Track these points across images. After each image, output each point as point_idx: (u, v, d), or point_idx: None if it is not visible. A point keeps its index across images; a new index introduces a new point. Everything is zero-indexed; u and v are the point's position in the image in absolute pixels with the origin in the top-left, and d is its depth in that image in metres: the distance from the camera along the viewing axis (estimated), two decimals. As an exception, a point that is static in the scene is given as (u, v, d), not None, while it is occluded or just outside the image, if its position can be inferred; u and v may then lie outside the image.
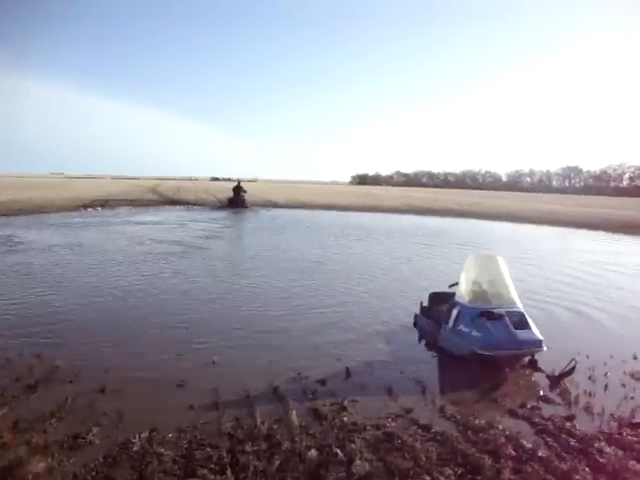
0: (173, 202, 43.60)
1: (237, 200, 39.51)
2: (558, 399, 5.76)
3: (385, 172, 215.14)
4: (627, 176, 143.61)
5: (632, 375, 6.54)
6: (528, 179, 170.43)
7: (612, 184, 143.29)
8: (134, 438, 4.47)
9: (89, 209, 33.50)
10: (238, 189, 40.52)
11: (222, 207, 39.74)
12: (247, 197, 41.44)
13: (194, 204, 42.63)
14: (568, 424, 5.03)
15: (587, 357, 7.03)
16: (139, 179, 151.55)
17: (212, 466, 4.07)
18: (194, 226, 25.02)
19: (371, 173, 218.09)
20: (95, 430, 4.62)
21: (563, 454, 4.43)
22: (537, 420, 5.14)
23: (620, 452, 4.48)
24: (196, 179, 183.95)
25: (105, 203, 37.91)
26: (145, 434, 4.56)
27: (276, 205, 44.06)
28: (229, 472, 3.96)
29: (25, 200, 34.97)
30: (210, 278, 12.13)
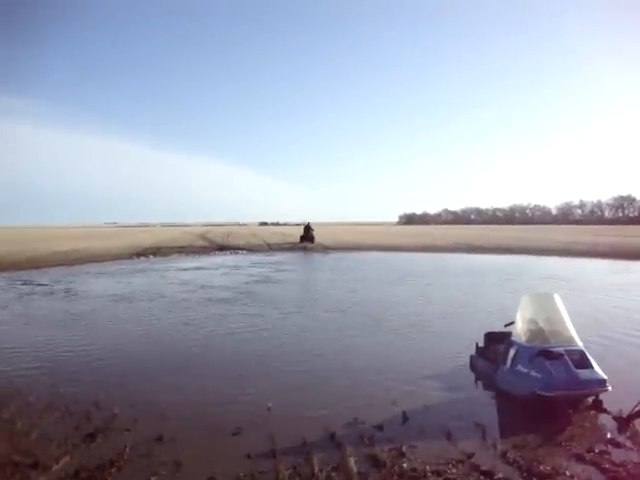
0: (222, 248, 44.26)
1: (307, 236, 48.88)
2: (629, 443, 5.44)
3: (432, 210, 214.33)
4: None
5: None
6: (579, 211, 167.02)
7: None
8: (192, 487, 4.46)
9: (141, 257, 34.34)
10: (308, 228, 49.80)
11: (277, 249, 43.78)
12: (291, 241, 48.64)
13: (243, 249, 43.21)
14: (641, 470, 4.77)
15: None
16: (189, 226, 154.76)
17: (271, 516, 4.01)
18: (247, 271, 25.29)
19: (418, 212, 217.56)
20: (153, 479, 4.63)
21: (638, 502, 4.20)
22: (607, 466, 4.86)
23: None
24: (245, 224, 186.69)
25: (157, 251, 38.83)
26: (202, 483, 4.54)
27: (328, 248, 44.23)
28: (288, 522, 3.90)
29: (83, 249, 36.16)
30: (269, 324, 12.18)
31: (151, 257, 34.91)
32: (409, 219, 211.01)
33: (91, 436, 5.64)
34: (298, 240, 49.44)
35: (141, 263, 30.54)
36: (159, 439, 5.56)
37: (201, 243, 49.69)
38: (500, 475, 4.68)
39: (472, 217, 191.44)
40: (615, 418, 6.02)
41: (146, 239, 54.63)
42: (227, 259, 34.21)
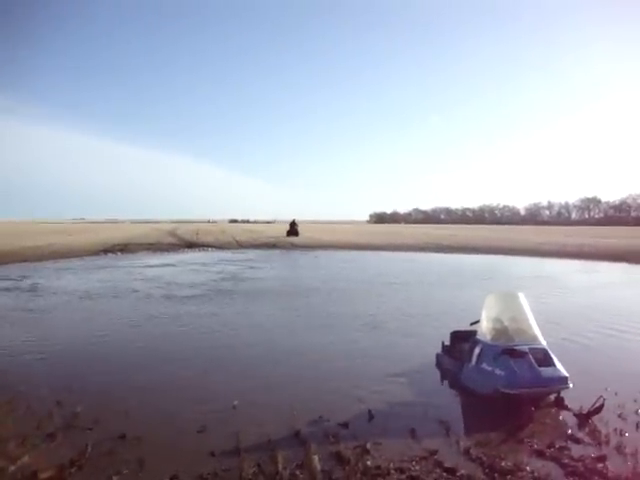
0: (192, 245, 43.87)
1: (292, 231, 55.97)
2: (587, 438, 5.57)
3: (403, 209, 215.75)
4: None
5: (664, 413, 6.34)
6: (547, 211, 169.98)
7: (633, 214, 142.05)
8: (154, 486, 4.41)
9: (109, 253, 33.89)
10: (293, 224, 57.47)
11: (248, 247, 43.70)
12: (262, 239, 48.38)
13: (213, 246, 42.92)
14: (600, 465, 4.85)
15: (616, 394, 6.84)
16: (158, 222, 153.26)
17: (234, 514, 3.99)
18: (215, 268, 25.12)
19: (389, 211, 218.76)
20: (115, 478, 4.58)
21: (595, 497, 4.28)
22: (566, 461, 4.96)
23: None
24: (214, 221, 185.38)
25: (125, 247, 38.30)
26: (166, 482, 4.50)
27: (297, 245, 44.16)
28: (251, 520, 3.89)
29: (47, 246, 35.48)
30: (243, 321, 12.13)
31: (119, 254, 34.39)
32: (379, 218, 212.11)
33: (51, 435, 5.54)
34: (284, 234, 55.23)
35: (108, 259, 30.11)
36: (122, 437, 5.49)
37: (170, 240, 49.12)
38: (463, 472, 4.73)
39: (442, 217, 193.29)
40: (575, 415, 6.14)
41: (114, 235, 53.88)
42: (196, 256, 33.93)
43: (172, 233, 61.91)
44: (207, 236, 56.05)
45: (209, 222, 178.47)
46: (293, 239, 50.07)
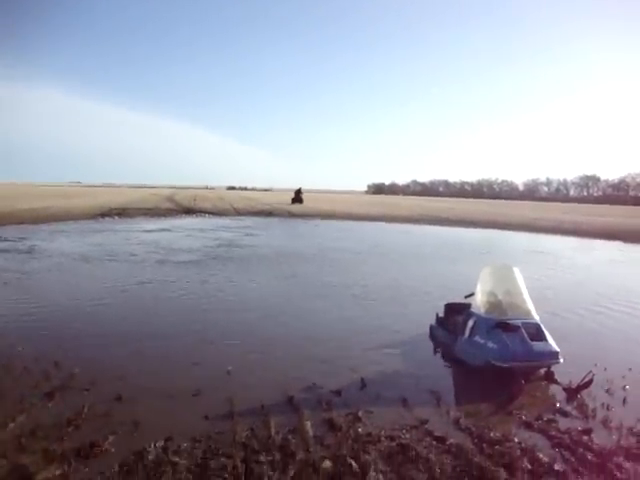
0: (189, 211, 43.79)
1: (297, 198, 58.07)
2: (575, 412, 5.69)
3: (401, 181, 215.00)
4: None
5: (651, 388, 6.45)
6: (545, 188, 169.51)
7: (631, 193, 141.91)
8: (149, 447, 4.50)
9: (106, 217, 33.83)
10: (298, 192, 59.37)
11: (245, 214, 43.56)
12: (259, 207, 48.35)
13: (210, 212, 42.86)
14: (585, 438, 4.97)
15: (605, 369, 6.94)
16: (156, 188, 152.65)
17: (226, 476, 4.08)
18: (213, 235, 25.11)
19: (387, 182, 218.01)
20: (111, 438, 4.65)
21: (580, 468, 4.38)
22: (553, 433, 5.08)
23: (639, 467, 4.42)
24: (212, 188, 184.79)
25: (123, 212, 38.23)
26: (160, 443, 4.58)
27: (295, 215, 44.07)
28: (243, 482, 3.97)
29: (43, 209, 35.41)
30: (230, 286, 12.19)
31: (116, 218, 34.34)
32: (378, 189, 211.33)
33: (49, 395, 5.62)
34: (282, 202, 58.11)
35: (105, 223, 30.09)
36: (118, 399, 5.58)
37: (168, 205, 49.06)
38: (452, 441, 4.82)
39: (440, 189, 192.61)
40: (564, 389, 6.24)
41: (112, 200, 53.71)
42: (193, 222, 33.94)
43: (170, 199, 61.76)
44: (204, 202, 55.98)
45: (207, 188, 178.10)
46: (291, 207, 50.08)
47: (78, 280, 12.49)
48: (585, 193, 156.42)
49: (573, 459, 4.56)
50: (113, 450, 4.47)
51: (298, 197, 58.83)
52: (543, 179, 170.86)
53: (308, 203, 56.80)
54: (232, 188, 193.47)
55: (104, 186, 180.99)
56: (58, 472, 4.05)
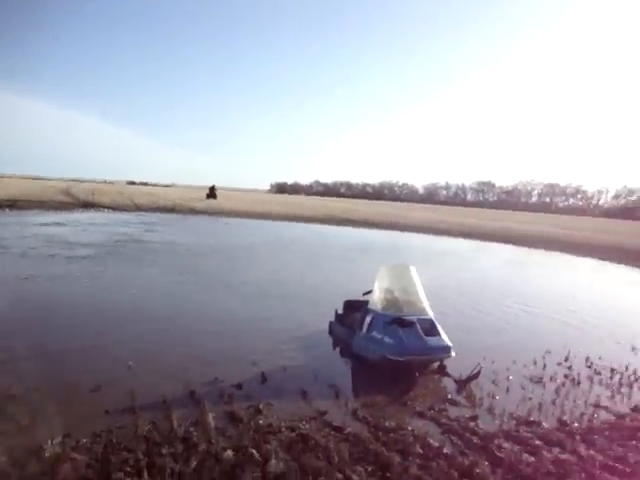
0: (87, 205, 42.14)
1: (212, 194, 62.27)
2: (464, 401, 6.14)
3: (304, 181, 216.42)
4: (536, 192, 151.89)
5: (531, 379, 7.04)
6: (444, 192, 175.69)
7: (522, 199, 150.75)
8: (45, 444, 4.39)
9: (-5, 210, 31.94)
10: (212, 188, 63.98)
11: (146, 210, 42.39)
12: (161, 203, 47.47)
13: (109, 207, 41.46)
14: (472, 424, 5.38)
15: (492, 362, 7.46)
16: (52, 180, 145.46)
17: (128, 469, 4.07)
18: (112, 229, 24.32)
19: (290, 181, 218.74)
20: (2, 437, 4.51)
21: (466, 451, 4.75)
22: (444, 421, 5.45)
23: (517, 447, 4.86)
24: (111, 182, 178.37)
25: (14, 204, 36.19)
26: (58, 439, 4.49)
27: (198, 211, 43.44)
28: (146, 475, 3.98)
29: None
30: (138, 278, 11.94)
31: (7, 210, 32.50)
32: (280, 188, 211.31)
33: None
34: (204, 197, 61.73)
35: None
36: (11, 397, 5.38)
37: (64, 199, 46.84)
38: (350, 430, 5.05)
39: (342, 190, 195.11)
40: (455, 381, 6.67)
41: (1, 191, 50.80)
42: (91, 216, 32.72)
43: (66, 192, 58.96)
44: (103, 197, 53.92)
45: (106, 182, 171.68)
46: (195, 204, 49.25)
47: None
48: (481, 198, 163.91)
49: (460, 443, 4.93)
50: (4, 450, 4.29)
51: (212, 193, 63.38)
52: (442, 183, 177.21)
53: (217, 201, 56.26)
54: (132, 183, 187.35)
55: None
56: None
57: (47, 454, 4.26)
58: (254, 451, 4.41)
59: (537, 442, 5.01)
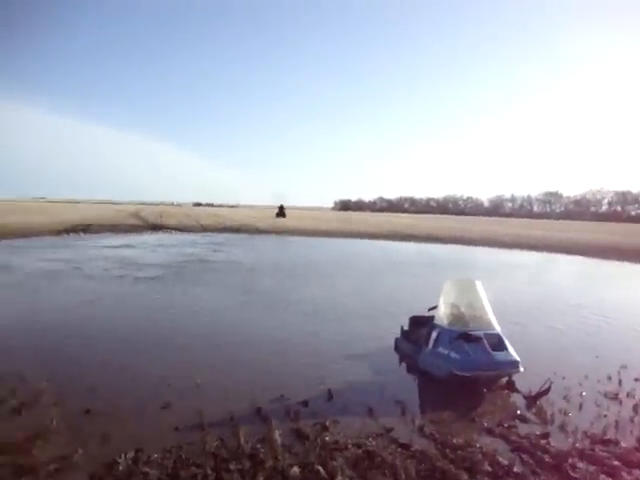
0: (155, 227, 43.46)
1: (281, 213, 68.64)
2: (534, 418, 5.93)
3: (367, 197, 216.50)
4: (606, 201, 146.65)
5: (605, 395, 6.74)
6: (510, 204, 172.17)
7: (592, 209, 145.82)
8: (119, 458, 4.55)
9: (71, 234, 33.36)
10: (282, 207, 70.75)
11: (212, 230, 42.32)
12: (227, 223, 47.52)
13: (177, 229, 42.57)
14: (543, 441, 5.20)
15: (563, 378, 7.21)
16: (121, 204, 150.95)
17: (197, 484, 4.16)
18: (180, 250, 24.99)
19: (353, 198, 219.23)
20: (81, 451, 4.69)
21: (537, 470, 4.60)
22: (513, 438, 5.30)
23: (592, 467, 4.66)
24: (179, 204, 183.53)
25: (88, 228, 37.74)
26: (131, 454, 4.64)
27: (262, 231, 44.06)
28: (214, 490, 4.06)
29: (10, 224, 34.76)
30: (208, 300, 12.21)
31: (81, 234, 33.88)
32: (344, 205, 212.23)
33: (16, 410, 5.63)
34: (274, 216, 67.02)
35: (71, 240, 29.67)
36: (87, 412, 5.61)
37: (133, 222, 48.57)
38: (416, 447, 5.00)
39: (406, 206, 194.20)
40: (524, 397, 6.48)
41: (76, 216, 52.98)
42: (160, 238, 33.69)
43: (135, 215, 61.17)
44: (171, 219, 55.59)
45: (173, 205, 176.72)
46: (258, 224, 49.99)
47: (40, 296, 12.36)
48: (548, 209, 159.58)
49: (531, 461, 4.78)
50: (83, 463, 4.51)
51: (282, 212, 69.28)
52: (508, 195, 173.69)
53: (282, 220, 57.00)
54: (199, 204, 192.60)
55: (69, 202, 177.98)
56: (29, 484, 4.08)
57: (121, 468, 4.41)
58: (320, 468, 4.42)
59: (615, 462, 4.79)
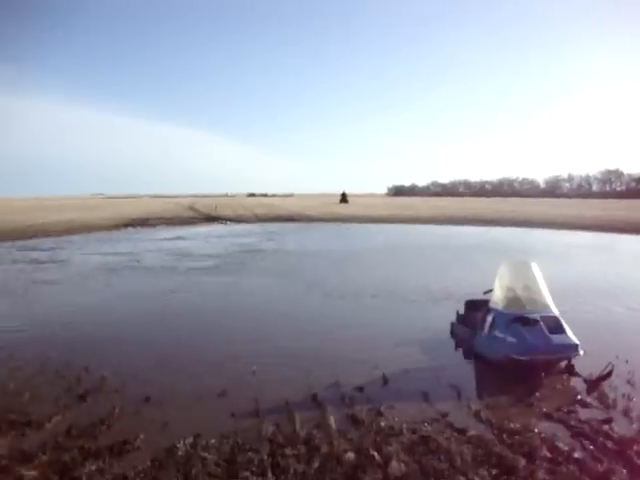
0: (210, 218, 44.19)
1: (344, 199, 79.78)
2: (595, 403, 5.75)
3: (421, 182, 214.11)
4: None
5: (673, 379, 6.47)
6: (567, 184, 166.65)
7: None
8: (179, 443, 4.67)
9: (129, 228, 34.31)
10: (344, 194, 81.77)
11: (265, 220, 42.97)
12: (280, 212, 49.00)
13: (230, 220, 43.16)
14: (605, 427, 5.04)
15: (626, 362, 6.96)
16: (176, 197, 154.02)
17: (254, 469, 4.23)
18: (235, 240, 25.38)
19: (407, 184, 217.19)
20: (142, 436, 4.85)
21: (599, 456, 4.46)
22: (573, 423, 5.16)
23: (658, 454, 4.48)
24: (233, 195, 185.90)
25: (145, 222, 38.71)
26: (189, 440, 4.76)
27: (312, 219, 44.20)
28: (270, 474, 4.12)
29: (71, 220, 36.06)
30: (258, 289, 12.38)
31: (139, 228, 34.83)
32: (398, 191, 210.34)
33: (82, 397, 5.87)
34: (337, 201, 77.62)
35: (129, 234, 30.58)
36: (147, 400, 5.79)
37: (189, 214, 49.60)
38: (473, 432, 4.93)
39: (460, 189, 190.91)
40: (585, 380, 6.28)
41: (133, 210, 54.45)
42: (215, 229, 34.32)
43: (191, 207, 62.35)
44: (225, 210, 56.43)
45: (227, 196, 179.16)
46: (311, 213, 50.21)
47: (110, 288, 12.87)
48: (608, 188, 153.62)
49: (593, 447, 4.63)
50: (144, 447, 4.66)
51: (344, 198, 79.34)
52: (565, 175, 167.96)
53: (336, 208, 57.00)
54: (252, 195, 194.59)
55: (126, 197, 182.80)
56: (94, 467, 4.24)
57: (180, 452, 4.52)
58: (375, 453, 4.43)
59: (682, 448, 4.60)
